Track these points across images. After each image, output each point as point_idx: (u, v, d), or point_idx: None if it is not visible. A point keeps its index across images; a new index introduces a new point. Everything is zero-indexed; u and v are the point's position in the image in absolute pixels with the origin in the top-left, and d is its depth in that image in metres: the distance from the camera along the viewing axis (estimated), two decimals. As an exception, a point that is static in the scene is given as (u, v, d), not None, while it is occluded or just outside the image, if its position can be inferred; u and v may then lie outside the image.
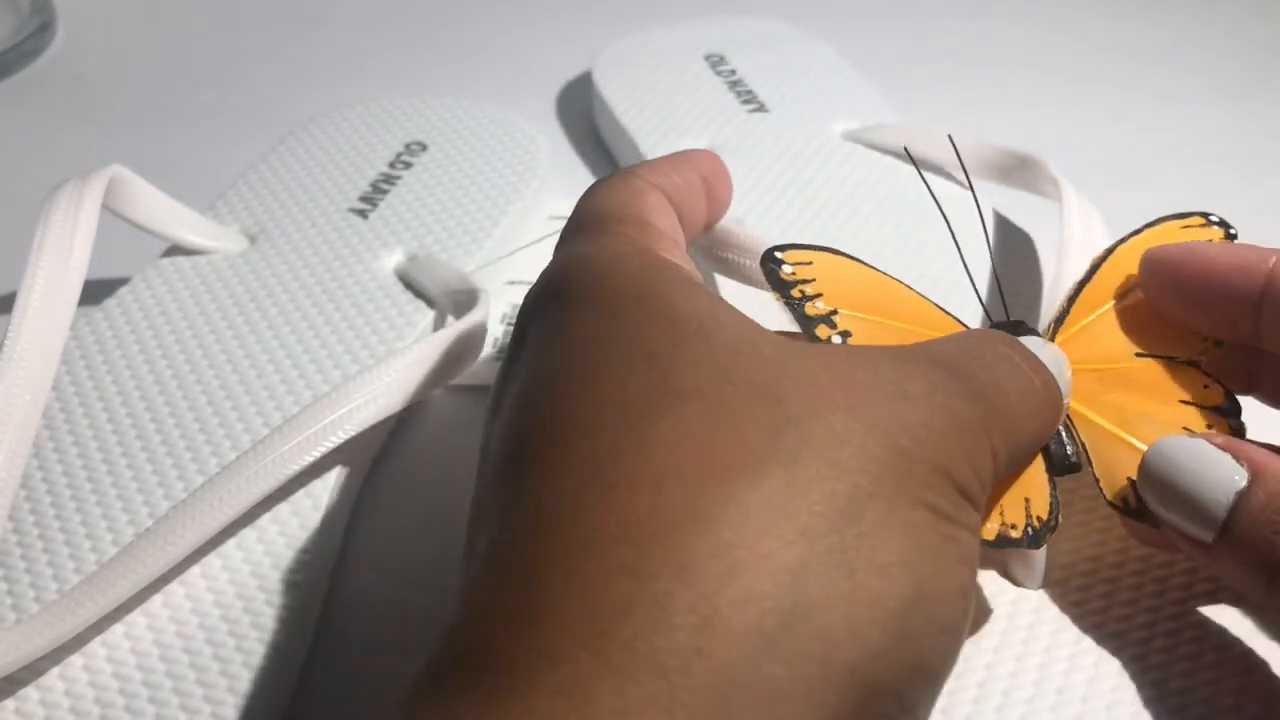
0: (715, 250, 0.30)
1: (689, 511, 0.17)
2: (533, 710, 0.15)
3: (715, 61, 0.46)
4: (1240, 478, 0.21)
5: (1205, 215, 0.28)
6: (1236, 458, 0.22)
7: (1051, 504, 0.23)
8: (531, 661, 0.16)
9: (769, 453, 0.17)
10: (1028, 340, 0.23)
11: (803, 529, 0.17)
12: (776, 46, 0.47)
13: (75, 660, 0.25)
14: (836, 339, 0.24)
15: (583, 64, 0.48)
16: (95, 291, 0.33)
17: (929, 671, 0.18)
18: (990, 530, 0.22)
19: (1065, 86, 0.50)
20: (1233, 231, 0.28)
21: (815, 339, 0.24)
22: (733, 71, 0.45)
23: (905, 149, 0.34)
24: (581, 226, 0.24)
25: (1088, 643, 0.24)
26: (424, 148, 0.40)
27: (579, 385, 0.19)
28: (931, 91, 0.49)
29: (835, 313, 0.24)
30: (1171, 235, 0.28)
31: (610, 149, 0.45)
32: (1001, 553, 0.24)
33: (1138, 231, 0.28)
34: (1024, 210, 0.38)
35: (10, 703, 0.24)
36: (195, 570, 0.26)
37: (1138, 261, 0.27)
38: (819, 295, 0.25)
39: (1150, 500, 0.23)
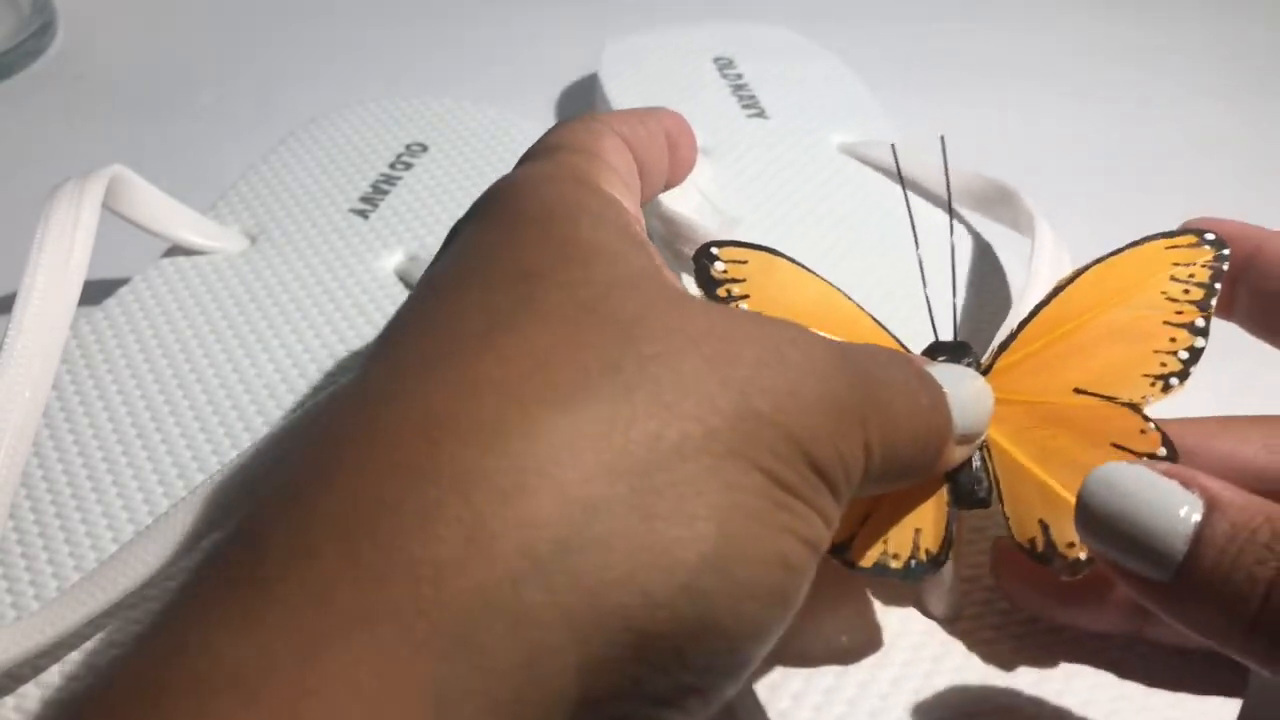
0: (676, 245, 0.30)
1: (493, 424, 0.16)
2: (274, 603, 0.15)
3: (723, 65, 0.46)
4: (1193, 509, 0.19)
5: (1198, 235, 0.26)
6: (1187, 486, 0.19)
7: (945, 538, 0.22)
8: (283, 554, 0.15)
9: (600, 384, 0.17)
10: (950, 369, 0.22)
11: (609, 465, 0.16)
12: (787, 55, 0.46)
13: (75, 658, 0.25)
14: None
15: (584, 66, 0.48)
16: (95, 291, 0.33)
17: (724, 634, 0.17)
18: (870, 558, 0.22)
19: (1066, 91, 0.50)
20: (1225, 252, 0.25)
21: None
22: (739, 75, 0.45)
23: (892, 147, 0.33)
24: (531, 154, 0.23)
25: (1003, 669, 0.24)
26: (424, 148, 0.40)
27: (449, 290, 0.19)
28: (933, 94, 0.49)
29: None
30: (1155, 256, 0.26)
31: None
32: (916, 584, 0.24)
33: (1117, 252, 0.26)
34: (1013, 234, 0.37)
35: (10, 700, 0.24)
36: (195, 569, 0.26)
37: (1103, 286, 0.25)
38: (745, 297, 0.23)
39: (1088, 535, 0.20)
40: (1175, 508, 0.19)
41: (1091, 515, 0.20)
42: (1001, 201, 0.36)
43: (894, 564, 0.22)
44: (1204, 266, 0.25)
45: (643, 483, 0.16)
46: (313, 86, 0.50)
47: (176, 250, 0.35)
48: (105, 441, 0.29)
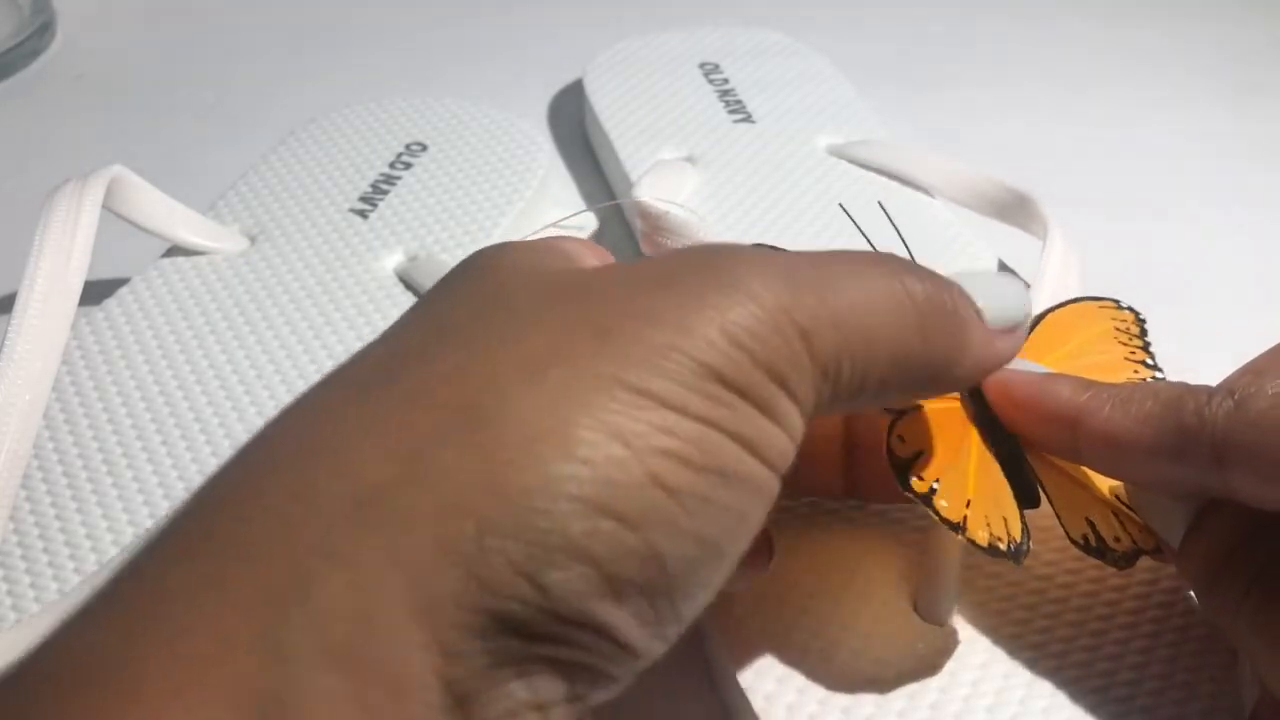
0: (653, 236, 0.30)
1: (326, 408, 0.17)
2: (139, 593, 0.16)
3: (709, 70, 0.45)
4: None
5: (1116, 302, 0.29)
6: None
7: (1023, 529, 0.23)
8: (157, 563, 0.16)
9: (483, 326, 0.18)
10: (984, 274, 0.22)
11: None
12: (774, 58, 0.46)
13: (75, 660, 0.25)
14: None
15: (584, 66, 0.48)
16: (95, 291, 0.33)
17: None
18: (983, 538, 0.22)
19: (1061, 91, 0.50)
20: (1142, 318, 0.28)
21: None
22: (725, 81, 0.45)
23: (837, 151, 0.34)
24: None
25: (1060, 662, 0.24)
26: (424, 148, 0.40)
27: (398, 325, 0.19)
28: (923, 94, 0.49)
29: None
30: (1090, 311, 0.28)
31: (595, 151, 0.45)
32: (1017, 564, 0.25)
33: (1057, 308, 0.28)
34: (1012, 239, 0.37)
35: (10, 702, 0.24)
36: (195, 570, 0.26)
37: (1056, 333, 0.27)
38: None
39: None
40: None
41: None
42: (1018, 206, 0.36)
43: (1001, 545, 0.23)
44: (1133, 323, 0.28)
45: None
46: (313, 86, 0.50)
47: (176, 250, 0.35)
48: (105, 442, 0.29)
